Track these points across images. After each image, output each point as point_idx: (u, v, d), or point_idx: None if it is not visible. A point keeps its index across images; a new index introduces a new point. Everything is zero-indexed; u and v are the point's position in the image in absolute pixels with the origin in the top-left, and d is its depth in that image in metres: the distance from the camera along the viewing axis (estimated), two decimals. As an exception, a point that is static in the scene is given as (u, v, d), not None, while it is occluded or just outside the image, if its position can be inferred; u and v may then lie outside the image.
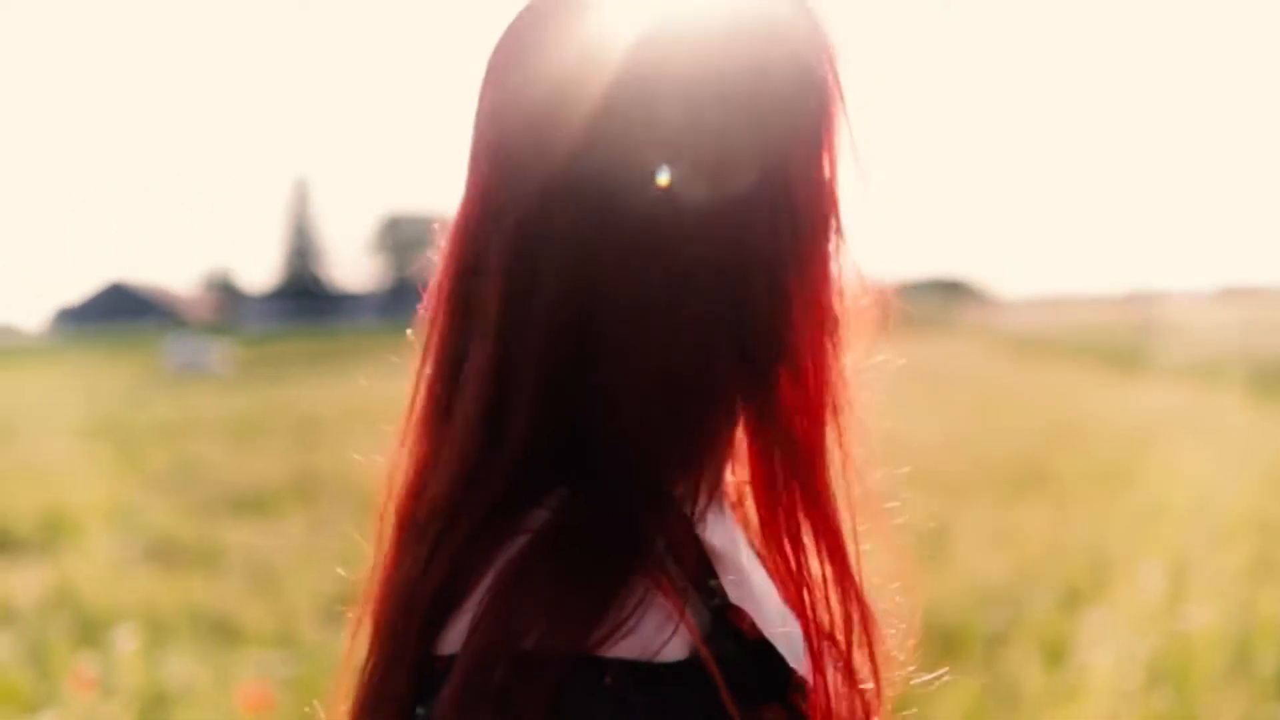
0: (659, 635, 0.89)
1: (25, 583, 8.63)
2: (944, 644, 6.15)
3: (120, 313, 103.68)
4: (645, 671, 0.87)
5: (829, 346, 0.98)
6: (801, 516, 1.00)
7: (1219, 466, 11.60)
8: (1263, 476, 11.00)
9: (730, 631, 0.94)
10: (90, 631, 7.14)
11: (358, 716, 0.96)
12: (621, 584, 0.90)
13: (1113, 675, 5.52)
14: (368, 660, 0.96)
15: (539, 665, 0.85)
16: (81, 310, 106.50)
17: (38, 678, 6.14)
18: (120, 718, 5.52)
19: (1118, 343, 34.50)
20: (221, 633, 7.20)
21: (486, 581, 0.90)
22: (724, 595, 0.94)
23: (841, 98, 0.98)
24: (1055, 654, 6.07)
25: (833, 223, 0.99)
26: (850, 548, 1.03)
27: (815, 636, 1.01)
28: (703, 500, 0.98)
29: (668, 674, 0.88)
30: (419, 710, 0.92)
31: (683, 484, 0.97)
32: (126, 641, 6.54)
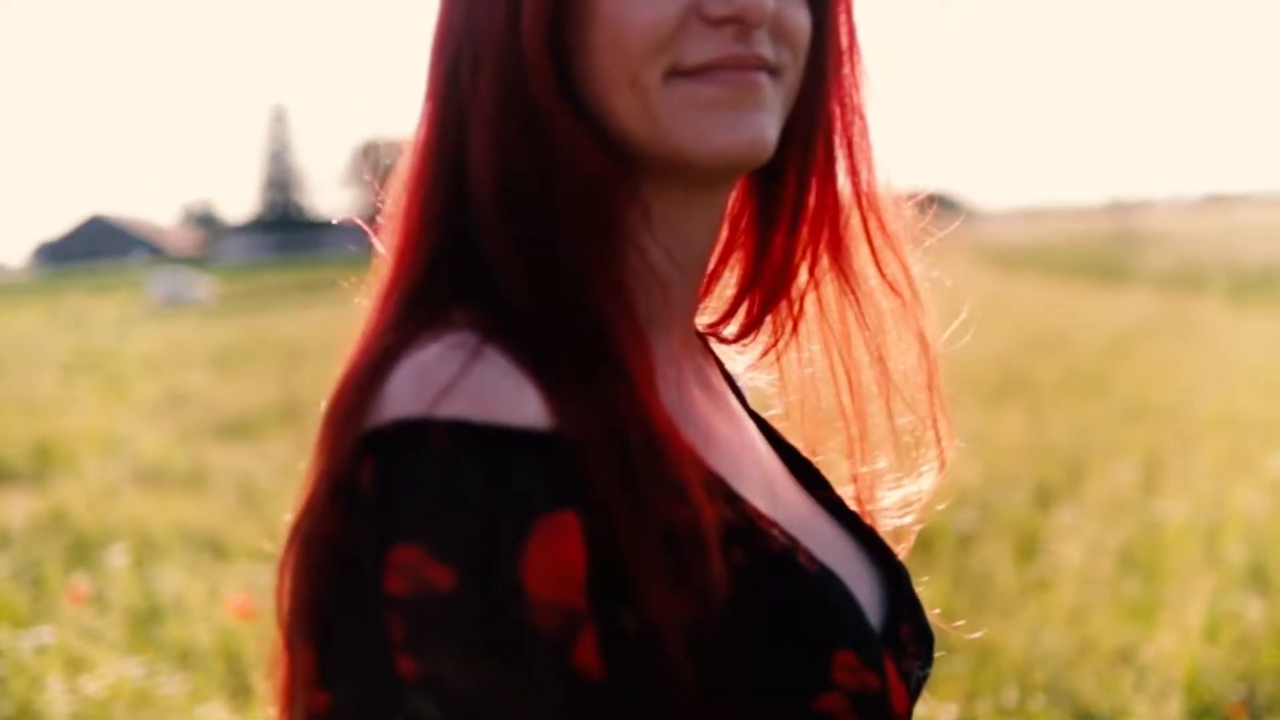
0: (505, 399, 0.87)
1: (19, 509, 8.73)
2: (919, 544, 6.27)
3: (101, 247, 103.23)
4: (480, 432, 0.85)
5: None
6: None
7: (1195, 371, 11.73)
8: (1237, 379, 11.13)
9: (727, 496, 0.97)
10: (83, 552, 7.25)
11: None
12: (476, 356, 0.88)
13: (1084, 566, 5.65)
14: None
15: (378, 437, 0.85)
16: (62, 245, 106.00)
17: (33, 596, 6.25)
18: (114, 630, 5.64)
19: (1099, 253, 34.61)
20: (210, 549, 7.31)
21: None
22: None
23: None
24: (1028, 549, 6.20)
25: None
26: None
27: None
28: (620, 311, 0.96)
29: (509, 437, 0.85)
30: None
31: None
32: (118, 559, 6.65)
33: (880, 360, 1.19)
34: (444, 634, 0.81)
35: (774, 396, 1.25)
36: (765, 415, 1.26)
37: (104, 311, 34.97)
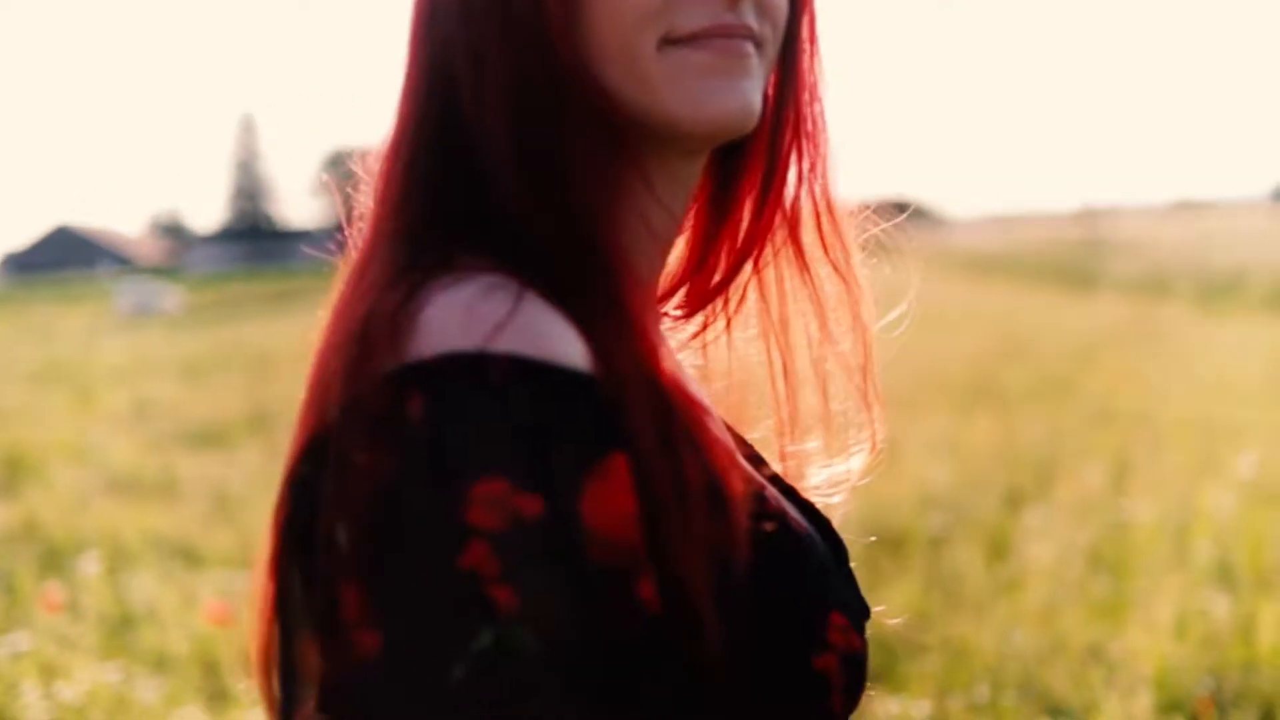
0: (556, 339, 0.87)
1: (-11, 518, 8.70)
2: (891, 546, 6.32)
3: (68, 258, 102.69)
4: (539, 369, 0.85)
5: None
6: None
7: (1163, 375, 11.82)
8: (1205, 383, 11.23)
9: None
10: (55, 560, 7.23)
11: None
12: (521, 297, 0.88)
13: (1054, 566, 5.71)
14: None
15: (421, 371, 0.84)
16: (28, 256, 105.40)
17: (6, 604, 6.23)
18: (89, 637, 5.63)
19: (1069, 260, 34.78)
20: (183, 557, 7.30)
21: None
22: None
23: None
24: (998, 549, 6.25)
25: None
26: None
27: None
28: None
29: (563, 375, 0.86)
30: (301, 470, 0.91)
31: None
32: (91, 567, 6.65)
33: (818, 344, 1.20)
34: (538, 563, 0.80)
35: (703, 376, 1.26)
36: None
37: (71, 322, 34.77)
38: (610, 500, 0.83)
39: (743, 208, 1.17)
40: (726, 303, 1.23)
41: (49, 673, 5.05)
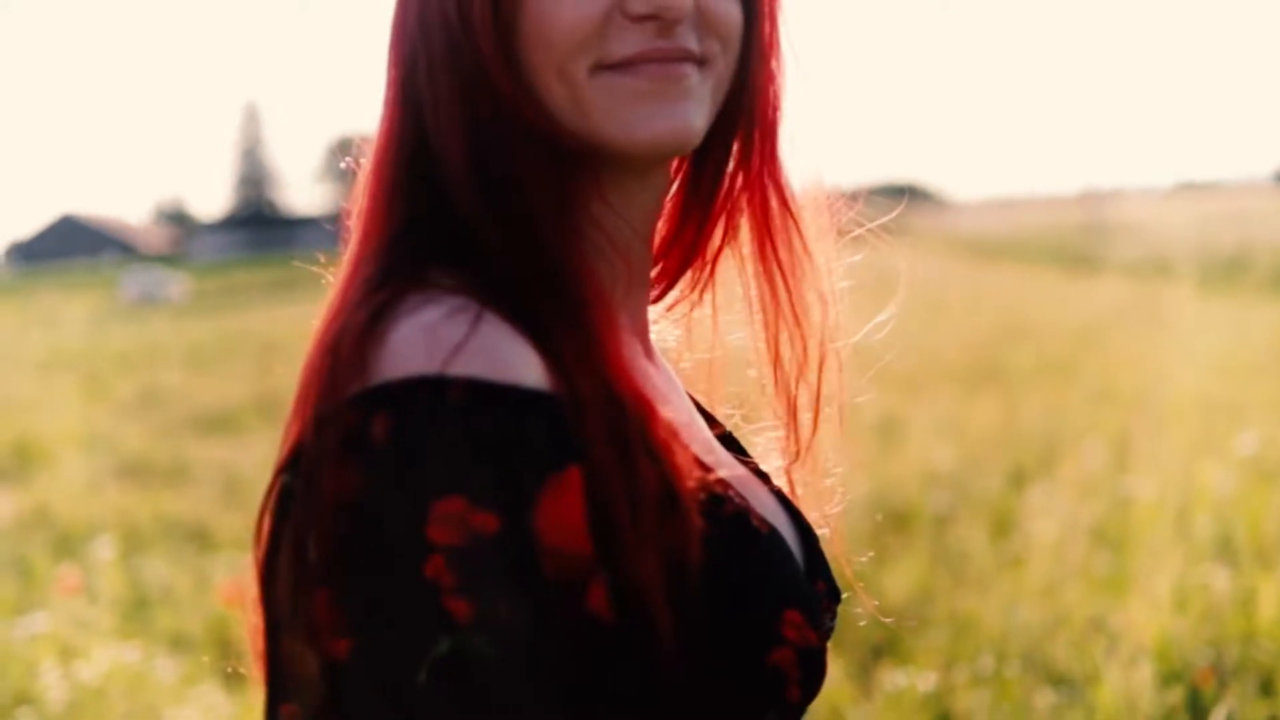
0: (512, 361, 0.93)
1: (3, 505, 8.79)
2: (896, 524, 6.41)
3: (73, 246, 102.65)
4: (495, 391, 0.91)
5: None
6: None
7: (1165, 355, 11.87)
8: (1206, 363, 11.28)
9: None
10: (69, 545, 7.32)
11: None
12: (480, 320, 0.94)
13: (1057, 543, 5.78)
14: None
15: (385, 393, 0.90)
16: (33, 245, 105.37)
17: (22, 588, 6.31)
18: (105, 619, 5.71)
19: (1071, 242, 34.78)
20: (196, 540, 7.39)
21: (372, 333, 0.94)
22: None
23: None
24: (1002, 527, 6.33)
25: None
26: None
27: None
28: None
29: (520, 396, 0.92)
30: (283, 477, 0.96)
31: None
32: (105, 551, 6.72)
33: (773, 338, 1.24)
34: (493, 577, 0.87)
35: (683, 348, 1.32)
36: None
37: (77, 311, 34.83)
38: (563, 514, 0.90)
39: (700, 204, 1.23)
40: (696, 288, 1.29)
41: (67, 653, 5.13)
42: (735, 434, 1.31)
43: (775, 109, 1.18)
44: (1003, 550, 5.94)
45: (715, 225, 1.24)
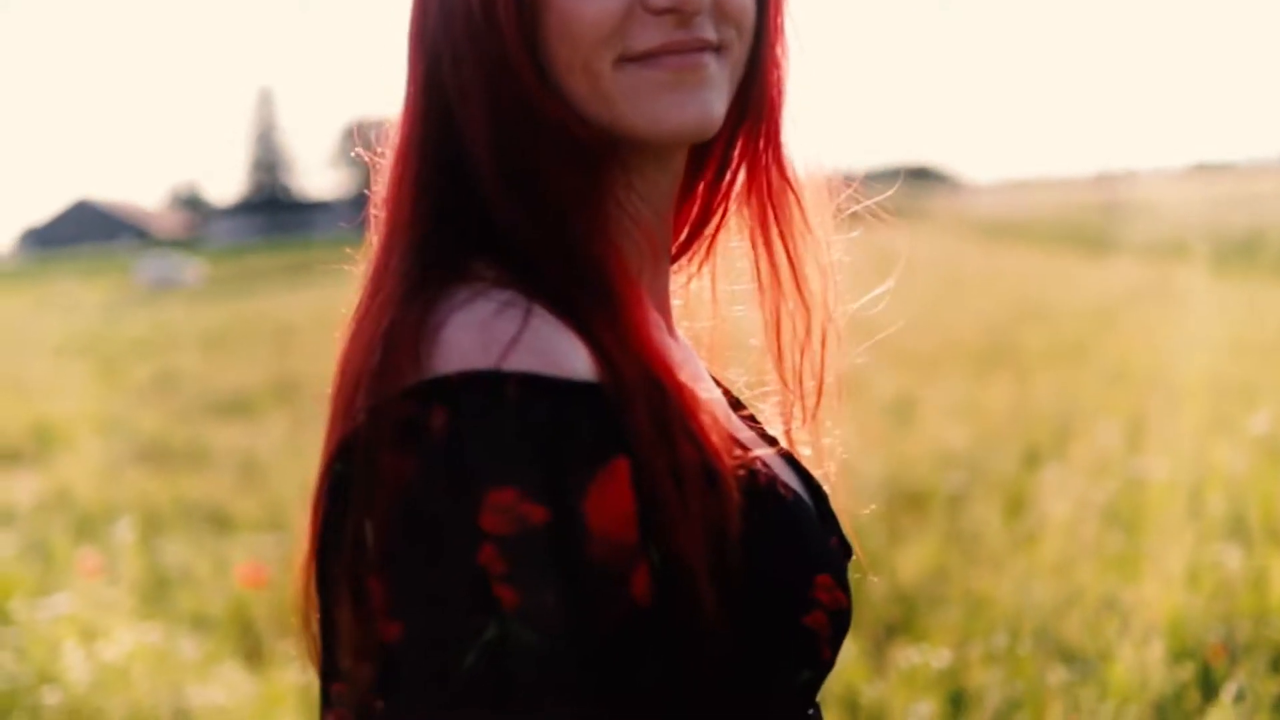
0: (563, 354, 0.97)
1: (23, 488, 8.86)
2: (910, 504, 6.44)
3: (88, 231, 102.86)
4: (548, 385, 0.95)
5: None
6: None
7: (1179, 336, 11.88)
8: (1219, 343, 11.28)
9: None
10: (89, 527, 7.38)
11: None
12: (530, 314, 0.98)
13: (1070, 522, 5.81)
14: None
15: (443, 386, 0.94)
16: (49, 230, 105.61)
17: (43, 570, 6.37)
18: (126, 600, 5.77)
19: (1086, 224, 34.72)
20: (214, 522, 7.45)
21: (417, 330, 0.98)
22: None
23: None
24: (1015, 506, 6.36)
25: None
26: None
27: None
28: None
29: (570, 389, 0.96)
30: (336, 466, 0.99)
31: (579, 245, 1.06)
32: (125, 534, 6.79)
33: (775, 309, 1.28)
34: (541, 566, 0.91)
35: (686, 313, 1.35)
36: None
37: (92, 296, 34.97)
38: (611, 502, 0.94)
39: (705, 180, 1.27)
40: (691, 257, 1.33)
41: (89, 634, 5.19)
42: (740, 398, 1.34)
43: (779, 91, 1.22)
44: (1016, 529, 5.97)
45: (719, 202, 1.28)
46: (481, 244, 1.06)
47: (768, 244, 1.25)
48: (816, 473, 1.28)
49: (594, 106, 1.08)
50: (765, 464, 1.11)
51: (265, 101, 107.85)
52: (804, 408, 1.30)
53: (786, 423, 1.31)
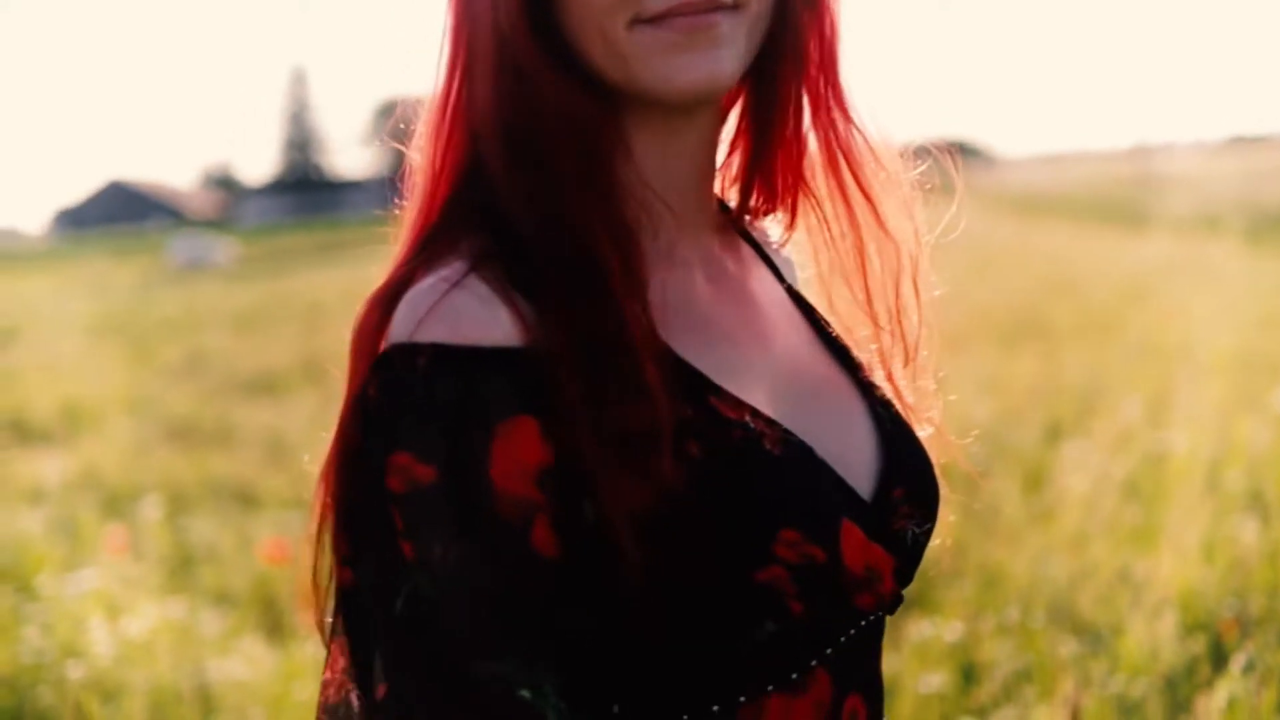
0: (476, 323, 1.03)
1: (52, 467, 8.95)
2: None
3: (121, 212, 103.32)
4: (454, 352, 1.01)
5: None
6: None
7: (1210, 311, 11.83)
8: (1249, 318, 11.24)
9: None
10: (116, 505, 7.47)
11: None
12: (457, 286, 1.04)
13: (1088, 496, 5.81)
14: None
15: (382, 359, 1.03)
16: (82, 210, 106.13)
17: (71, 547, 6.44)
18: (152, 576, 5.85)
19: (1120, 197, 34.55)
20: (240, 500, 7.52)
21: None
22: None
23: None
24: (1035, 481, 6.37)
25: None
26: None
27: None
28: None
29: (478, 355, 1.01)
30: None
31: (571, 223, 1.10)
32: (152, 511, 6.86)
33: (859, 250, 1.30)
34: (429, 522, 0.99)
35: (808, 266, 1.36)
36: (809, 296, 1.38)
37: (125, 276, 35.17)
38: (514, 460, 1.00)
39: (776, 128, 1.27)
40: (787, 203, 1.33)
41: (114, 609, 5.25)
42: (853, 350, 1.34)
43: (824, 31, 1.23)
44: (1034, 504, 5.98)
45: (787, 152, 1.28)
46: (484, 220, 1.11)
47: (840, 184, 1.27)
48: (918, 420, 1.31)
49: (609, 68, 1.12)
50: (760, 421, 1.13)
51: (297, 81, 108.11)
52: (905, 348, 1.32)
53: (886, 368, 1.33)
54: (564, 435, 1.01)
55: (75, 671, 4.63)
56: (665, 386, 1.06)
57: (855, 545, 1.13)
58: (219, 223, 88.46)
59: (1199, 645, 4.22)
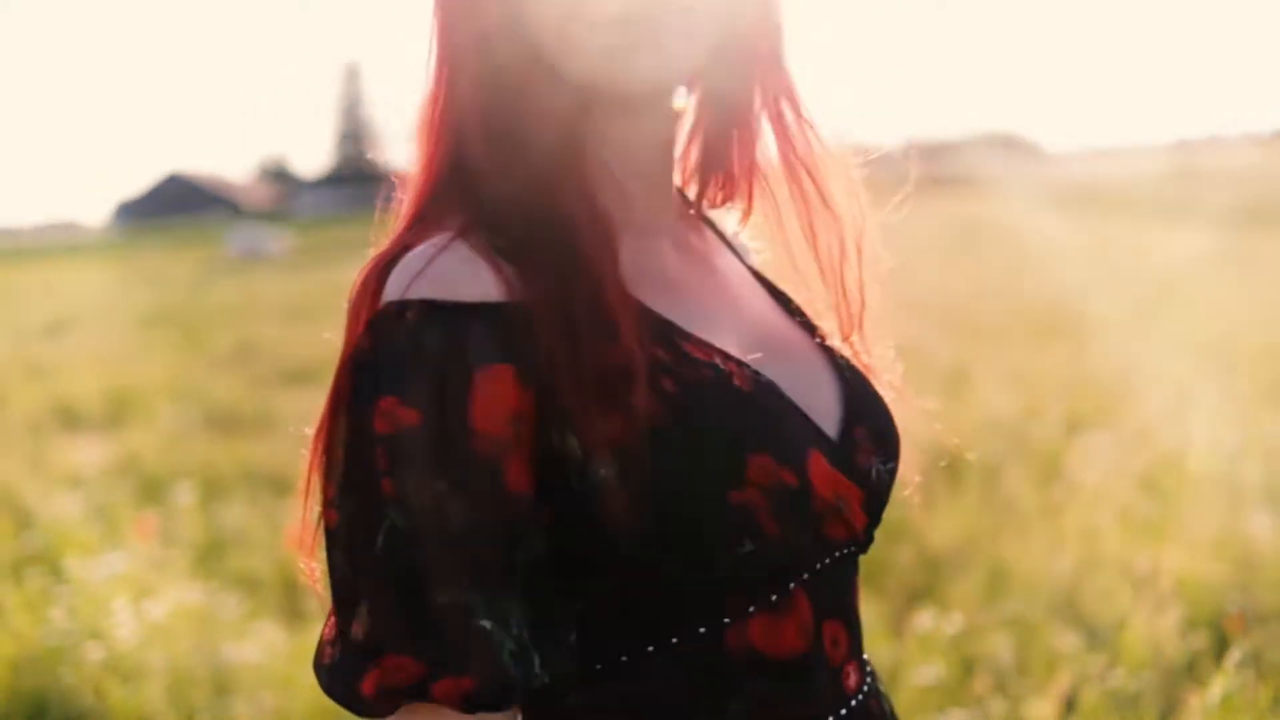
0: (460, 281, 1.12)
1: (93, 453, 9.10)
2: (947, 470, 6.46)
3: (179, 204, 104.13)
4: (439, 306, 1.10)
5: None
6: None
7: (1248, 305, 11.76)
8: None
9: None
10: (151, 491, 7.59)
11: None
12: (443, 250, 1.14)
13: (1102, 489, 5.82)
14: None
15: (376, 317, 1.12)
16: (141, 203, 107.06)
17: (103, 532, 6.56)
18: (180, 561, 5.96)
19: (1165, 191, 34.23)
20: (274, 487, 7.62)
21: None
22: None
23: None
24: (1050, 474, 6.37)
25: None
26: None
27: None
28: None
29: (461, 309, 1.10)
30: None
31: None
32: (185, 497, 6.98)
33: (809, 227, 1.39)
34: (411, 461, 1.06)
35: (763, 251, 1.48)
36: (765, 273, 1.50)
37: (182, 267, 35.52)
38: (492, 403, 1.09)
39: (730, 125, 1.38)
40: (743, 193, 1.43)
41: (140, 593, 5.36)
42: (814, 319, 1.45)
43: (777, 28, 1.32)
44: (1047, 497, 5.99)
45: (741, 139, 1.38)
46: (469, 201, 1.21)
47: (789, 168, 1.36)
48: (879, 384, 1.40)
49: (570, 67, 1.20)
50: (732, 362, 1.22)
51: (352, 75, 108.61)
52: (850, 316, 1.41)
53: (845, 335, 1.42)
54: (543, 378, 1.10)
55: (96, 653, 4.74)
56: (637, 332, 1.16)
57: (823, 474, 1.21)
58: (275, 215, 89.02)
59: (1202, 640, 4.23)
